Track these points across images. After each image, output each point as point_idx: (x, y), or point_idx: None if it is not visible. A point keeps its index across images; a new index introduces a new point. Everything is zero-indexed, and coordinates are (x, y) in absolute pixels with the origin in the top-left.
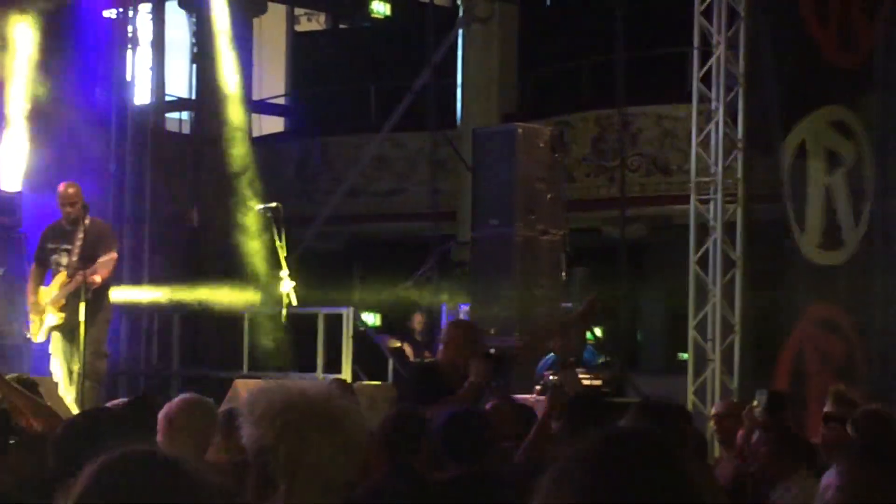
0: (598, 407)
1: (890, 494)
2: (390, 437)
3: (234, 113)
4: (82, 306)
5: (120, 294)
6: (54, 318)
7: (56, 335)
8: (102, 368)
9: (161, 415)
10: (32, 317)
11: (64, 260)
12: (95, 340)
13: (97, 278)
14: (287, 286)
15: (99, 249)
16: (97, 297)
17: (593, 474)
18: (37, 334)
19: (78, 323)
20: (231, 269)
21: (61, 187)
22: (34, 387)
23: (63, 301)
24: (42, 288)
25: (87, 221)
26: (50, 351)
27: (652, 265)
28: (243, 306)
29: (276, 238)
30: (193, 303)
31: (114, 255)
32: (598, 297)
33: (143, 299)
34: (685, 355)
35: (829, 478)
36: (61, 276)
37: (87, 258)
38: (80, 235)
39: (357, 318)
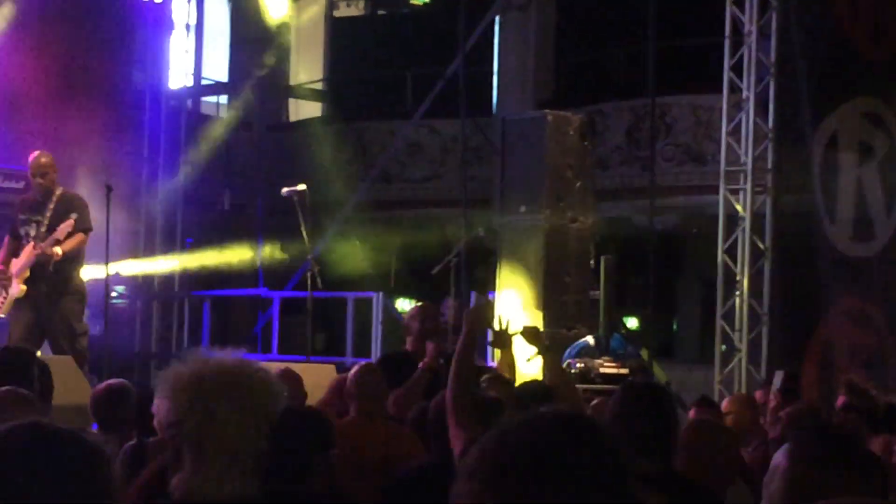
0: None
1: (836, 478)
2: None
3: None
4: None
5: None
6: (17, 289)
7: (19, 307)
8: (81, 346)
9: None
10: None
11: (33, 231)
12: (66, 318)
13: (58, 250)
14: (312, 270)
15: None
16: (62, 272)
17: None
18: (4, 307)
19: (43, 297)
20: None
21: (32, 156)
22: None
23: (27, 273)
24: (14, 260)
25: (58, 192)
26: (9, 321)
27: (688, 255)
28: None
29: (302, 222)
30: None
31: (70, 222)
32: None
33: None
34: (723, 346)
35: (778, 459)
36: (29, 248)
37: (56, 230)
38: (51, 207)
39: (389, 304)
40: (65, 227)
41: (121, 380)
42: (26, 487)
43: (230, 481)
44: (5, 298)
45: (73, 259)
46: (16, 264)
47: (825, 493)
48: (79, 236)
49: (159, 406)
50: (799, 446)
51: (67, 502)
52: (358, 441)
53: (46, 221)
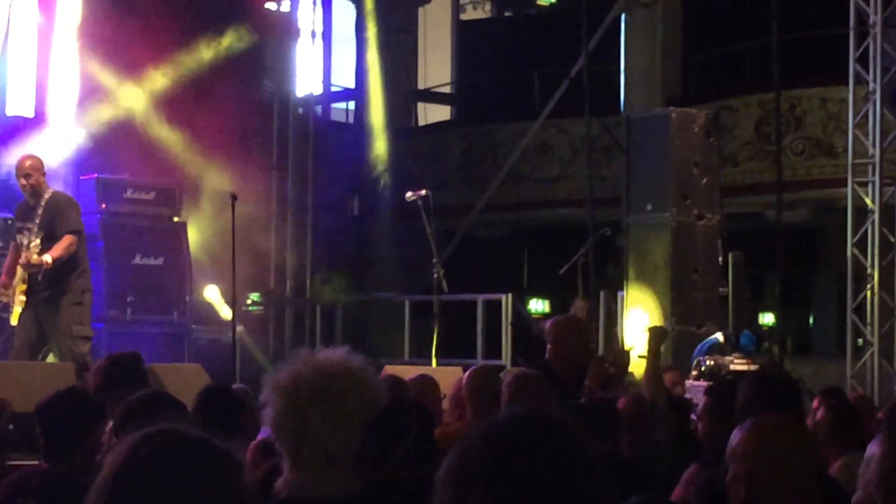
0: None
1: None
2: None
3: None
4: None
5: None
6: (18, 301)
7: (24, 317)
8: (83, 352)
9: None
10: (5, 299)
11: (26, 240)
12: (67, 325)
13: (47, 258)
14: (437, 273)
15: (56, 225)
16: (56, 279)
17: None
18: (13, 318)
19: (42, 304)
20: (390, 255)
21: (19, 159)
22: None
23: (24, 284)
24: (19, 268)
25: (47, 196)
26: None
27: (823, 249)
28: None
29: (427, 225)
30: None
31: (67, 237)
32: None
33: None
34: (860, 340)
35: (873, 448)
36: (25, 257)
37: (47, 236)
38: (39, 212)
39: (519, 305)
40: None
41: (223, 382)
42: (160, 495)
43: (327, 483)
44: (13, 308)
45: (67, 263)
46: (15, 275)
47: None
48: (67, 239)
49: (264, 411)
50: (892, 436)
51: None
52: None
53: (36, 228)
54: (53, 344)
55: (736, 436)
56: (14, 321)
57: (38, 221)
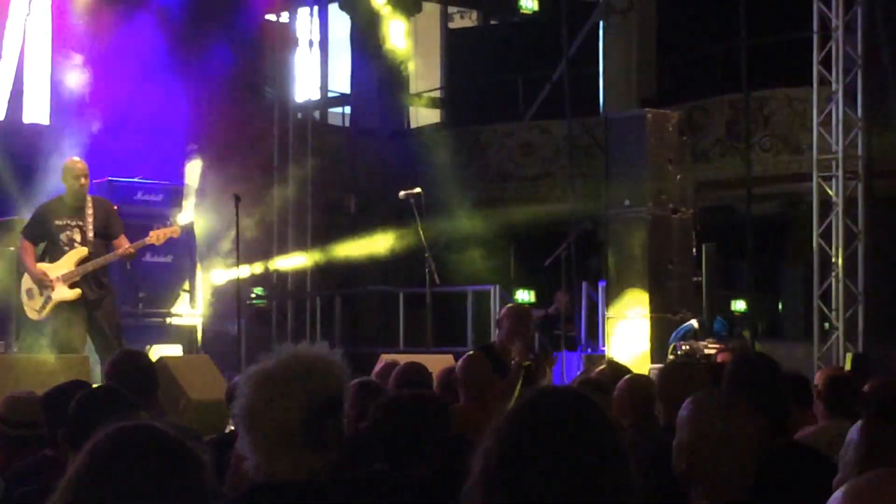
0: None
1: None
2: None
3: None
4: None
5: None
6: (67, 293)
7: (71, 310)
8: (122, 341)
9: None
10: (35, 292)
11: (78, 236)
12: (113, 316)
13: (132, 250)
14: (429, 267)
15: (110, 226)
16: (104, 280)
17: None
18: (44, 310)
19: (97, 298)
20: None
21: (70, 162)
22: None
23: (77, 277)
24: (46, 264)
25: (90, 197)
26: (57, 326)
27: (791, 240)
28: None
29: (418, 222)
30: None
31: (124, 239)
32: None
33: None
34: (826, 325)
35: (853, 434)
36: (77, 252)
37: (102, 234)
38: (90, 212)
39: (506, 296)
40: (169, 231)
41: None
42: (121, 488)
43: (279, 464)
44: (47, 302)
45: (110, 264)
46: (58, 268)
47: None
48: (125, 241)
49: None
50: (871, 421)
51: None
52: (469, 425)
53: (90, 227)
54: (100, 336)
55: (685, 408)
56: (44, 315)
57: (91, 221)
